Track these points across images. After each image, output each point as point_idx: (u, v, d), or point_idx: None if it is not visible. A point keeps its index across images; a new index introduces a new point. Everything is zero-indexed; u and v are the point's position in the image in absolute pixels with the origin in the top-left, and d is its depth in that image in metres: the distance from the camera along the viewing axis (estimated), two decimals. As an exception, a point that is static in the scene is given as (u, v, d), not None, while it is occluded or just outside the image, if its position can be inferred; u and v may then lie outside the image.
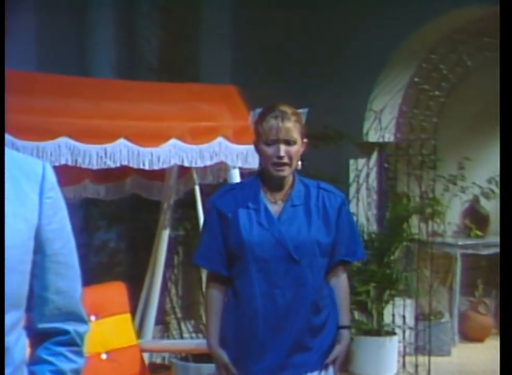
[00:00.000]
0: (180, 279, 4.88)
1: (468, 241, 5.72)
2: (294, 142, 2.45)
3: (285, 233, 2.41)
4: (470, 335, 5.71)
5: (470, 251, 5.70)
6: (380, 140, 5.00)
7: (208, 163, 3.56)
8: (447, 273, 5.58)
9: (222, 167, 3.73)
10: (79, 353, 1.36)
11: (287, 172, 2.45)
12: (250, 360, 2.42)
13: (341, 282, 2.54)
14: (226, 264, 2.47)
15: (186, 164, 3.50)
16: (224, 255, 2.46)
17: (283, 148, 2.43)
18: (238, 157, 3.66)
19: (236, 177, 3.70)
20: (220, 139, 3.58)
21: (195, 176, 3.75)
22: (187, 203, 4.27)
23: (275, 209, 2.45)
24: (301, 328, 2.41)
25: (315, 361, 2.43)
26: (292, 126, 2.45)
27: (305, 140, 2.50)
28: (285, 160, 2.43)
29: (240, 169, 3.71)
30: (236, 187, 2.54)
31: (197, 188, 3.75)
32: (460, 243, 5.64)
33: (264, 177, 2.49)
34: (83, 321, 1.36)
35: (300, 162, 2.48)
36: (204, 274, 3.86)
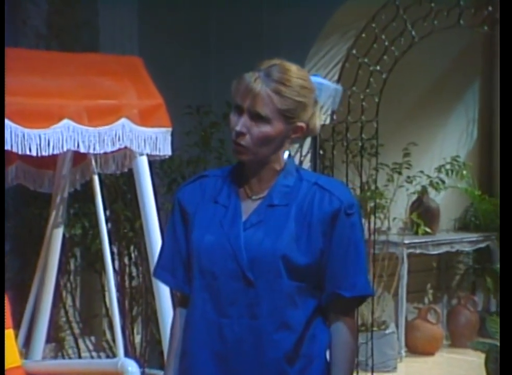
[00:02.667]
0: (78, 288, 4.85)
1: (416, 240, 5.85)
2: (264, 121, 2.02)
3: (245, 240, 2.05)
4: (418, 348, 5.86)
5: (417, 251, 5.83)
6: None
7: (109, 149, 3.55)
8: (392, 277, 5.70)
9: (127, 154, 3.73)
10: None
11: (245, 156, 2.06)
12: None
13: (337, 332, 2.07)
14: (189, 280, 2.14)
15: (82, 150, 3.49)
16: (188, 266, 2.12)
17: (242, 122, 2.02)
18: (145, 142, 3.67)
19: (144, 166, 3.70)
20: (123, 120, 3.58)
21: (93, 164, 3.74)
22: (85, 196, 4.24)
23: (248, 207, 2.09)
24: None
25: None
26: (266, 96, 2.00)
27: (300, 123, 2.06)
28: (242, 140, 2.03)
29: (149, 156, 3.72)
30: (211, 174, 2.15)
31: (96, 178, 3.73)
32: (406, 241, 5.76)
33: (246, 164, 2.12)
34: None
35: (286, 153, 2.08)
36: (107, 282, 3.85)
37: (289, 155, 2.12)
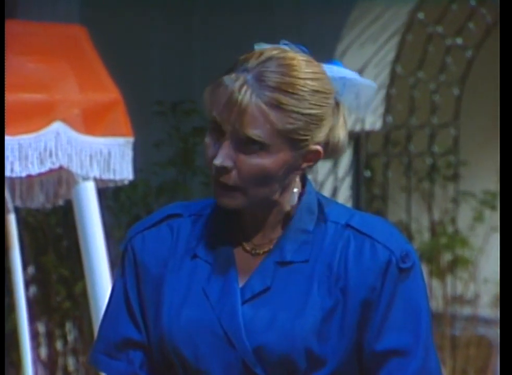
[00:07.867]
0: (-16, 389, 4.91)
1: (520, 314, 5.93)
2: (259, 148, 2.07)
3: (245, 319, 2.10)
4: None
5: (522, 332, 5.91)
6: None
7: (35, 170, 3.60)
8: (482, 373, 5.75)
9: (62, 179, 3.78)
10: None
11: (234, 203, 2.11)
12: None
13: None
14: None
15: (-7, 171, 3.55)
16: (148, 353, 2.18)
17: (225, 152, 2.07)
18: (92, 159, 3.73)
19: (89, 198, 3.76)
20: (57, 125, 3.64)
21: (8, 195, 3.81)
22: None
23: (247, 265, 2.14)
24: None
25: None
26: (259, 112, 2.05)
27: (314, 146, 2.10)
28: (228, 179, 2.08)
29: (98, 182, 3.78)
30: (186, 212, 2.20)
31: (12, 217, 3.81)
32: (504, 317, 5.84)
33: None
34: None
35: (295, 190, 2.13)
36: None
37: (306, 179, 2.15)
